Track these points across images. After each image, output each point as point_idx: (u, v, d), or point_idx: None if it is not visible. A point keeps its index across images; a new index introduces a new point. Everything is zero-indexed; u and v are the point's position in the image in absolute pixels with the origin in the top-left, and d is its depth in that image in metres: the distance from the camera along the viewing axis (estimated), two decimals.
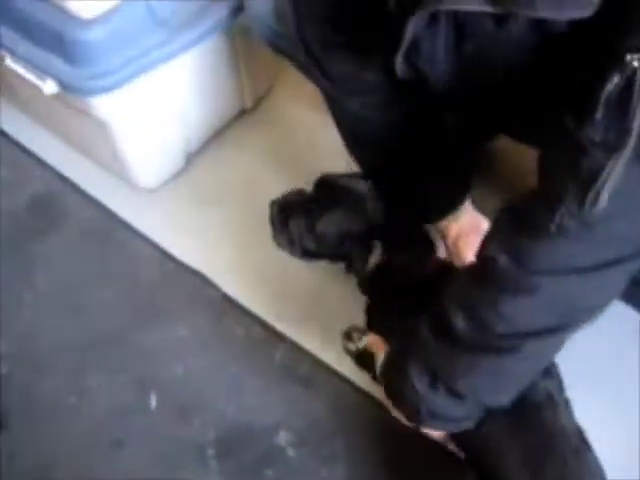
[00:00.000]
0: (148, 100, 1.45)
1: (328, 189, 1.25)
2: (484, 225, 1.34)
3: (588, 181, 0.77)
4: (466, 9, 0.83)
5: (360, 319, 1.32)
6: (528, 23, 0.83)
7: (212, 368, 1.43)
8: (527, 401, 1.03)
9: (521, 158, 1.38)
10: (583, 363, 1.21)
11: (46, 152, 1.78)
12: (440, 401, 0.99)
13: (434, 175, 1.32)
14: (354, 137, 1.34)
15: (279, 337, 1.44)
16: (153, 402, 1.41)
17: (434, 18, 0.91)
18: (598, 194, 0.77)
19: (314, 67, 1.19)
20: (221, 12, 1.44)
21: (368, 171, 1.34)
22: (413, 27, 0.92)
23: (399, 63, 1.00)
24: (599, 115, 0.75)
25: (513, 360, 0.94)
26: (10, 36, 1.37)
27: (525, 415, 1.04)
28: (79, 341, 1.48)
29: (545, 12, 0.77)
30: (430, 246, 1.29)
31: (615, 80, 0.72)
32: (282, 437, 1.35)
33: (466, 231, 1.37)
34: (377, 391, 1.31)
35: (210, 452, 1.34)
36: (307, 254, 1.27)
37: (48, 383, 1.44)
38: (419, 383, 0.99)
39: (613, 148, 0.74)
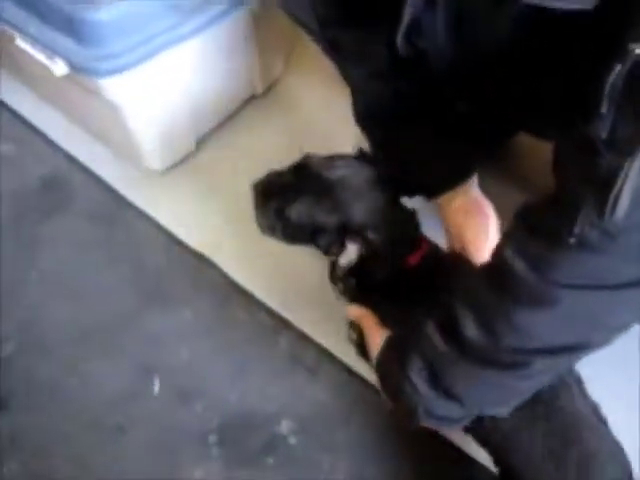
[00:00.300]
0: (158, 82, 1.43)
1: (303, 173, 1.16)
2: (489, 209, 1.26)
3: (604, 185, 0.71)
4: None
5: None
6: (526, 7, 0.78)
7: (216, 353, 1.43)
8: (542, 389, 0.98)
9: (542, 152, 1.35)
10: (582, 363, 1.19)
11: (55, 132, 1.78)
12: (438, 402, 0.95)
13: (439, 145, 1.27)
14: (363, 107, 1.32)
15: (284, 324, 1.43)
16: (156, 387, 1.41)
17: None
18: (617, 199, 0.70)
19: (324, 40, 1.21)
20: None
21: (375, 146, 1.33)
22: (411, 7, 0.94)
23: (400, 41, 1.02)
24: (604, 109, 0.70)
25: (519, 376, 0.89)
26: (21, 16, 1.35)
27: (542, 403, 1.01)
28: (82, 324, 1.48)
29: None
30: (413, 243, 1.18)
31: (617, 69, 0.68)
32: (284, 425, 1.34)
33: (469, 210, 1.27)
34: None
35: (212, 439, 1.34)
36: (290, 239, 1.21)
37: (50, 365, 1.44)
38: (418, 380, 0.94)
39: (627, 147, 0.69)
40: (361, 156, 1.19)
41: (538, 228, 0.81)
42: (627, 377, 1.33)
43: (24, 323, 1.50)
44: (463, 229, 1.25)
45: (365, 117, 1.33)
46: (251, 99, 1.77)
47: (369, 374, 1.33)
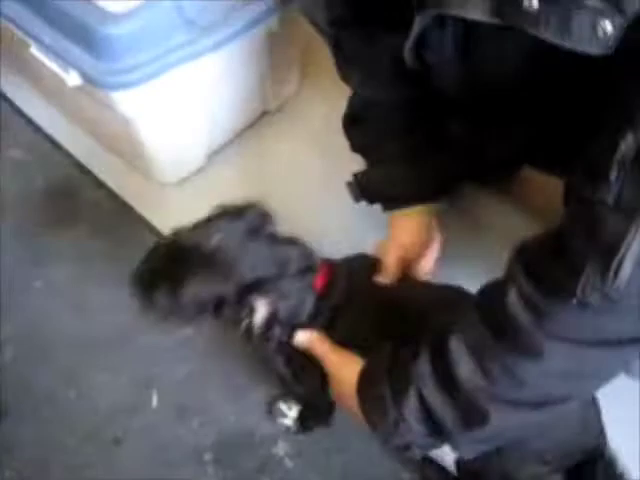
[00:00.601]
0: (171, 97, 1.43)
1: (179, 253, 1.06)
2: (436, 244, 1.28)
3: (608, 250, 0.71)
4: (467, 17, 0.82)
5: None
6: (532, 40, 0.77)
7: (216, 371, 1.42)
8: None
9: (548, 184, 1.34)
10: None
11: (66, 140, 1.79)
12: (432, 441, 0.94)
13: (417, 160, 1.27)
14: (353, 110, 1.33)
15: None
16: (154, 401, 1.40)
17: (442, 18, 0.90)
18: (620, 266, 0.70)
19: (330, 38, 1.21)
20: (249, 15, 1.43)
21: (354, 149, 1.34)
22: (419, 24, 0.93)
23: (407, 52, 1.01)
24: (613, 177, 0.69)
25: (513, 422, 0.89)
26: (37, 25, 1.36)
27: None
28: (84, 335, 1.48)
29: (549, 35, 0.74)
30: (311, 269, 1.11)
31: (629, 140, 0.67)
32: (281, 447, 1.34)
33: (418, 242, 1.28)
34: None
35: (207, 457, 1.33)
36: (188, 321, 1.14)
37: (49, 375, 1.44)
38: (413, 422, 0.92)
39: (632, 214, 0.68)
40: (225, 213, 1.12)
41: (542, 280, 0.80)
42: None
43: (25, 330, 1.50)
44: (409, 248, 1.26)
45: (352, 121, 1.34)
46: (264, 115, 1.77)
47: None
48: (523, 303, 0.81)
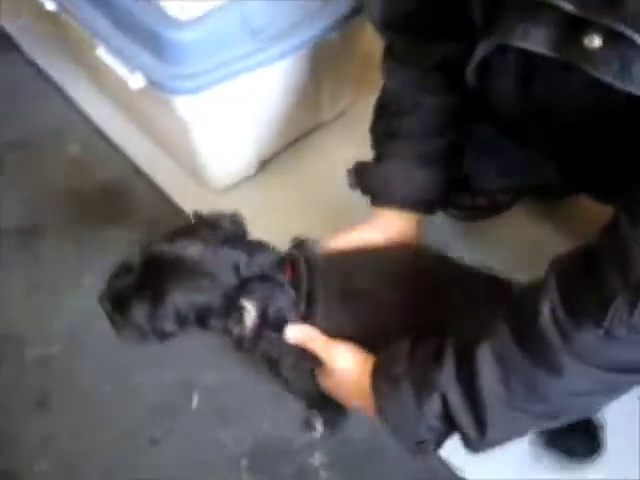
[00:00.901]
0: (229, 104, 1.45)
1: (157, 264, 1.03)
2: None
3: (637, 287, 0.74)
4: (531, 49, 0.83)
5: None
6: (592, 78, 0.79)
7: (258, 377, 1.42)
8: None
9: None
10: None
11: (122, 138, 1.81)
12: (450, 438, 0.97)
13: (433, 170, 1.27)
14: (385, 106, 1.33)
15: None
16: (194, 404, 1.42)
17: (505, 46, 0.90)
18: None
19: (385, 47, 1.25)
20: (312, 28, 1.44)
21: (380, 136, 1.33)
22: (483, 50, 0.95)
23: (469, 74, 1.03)
24: None
25: (527, 429, 0.96)
26: (105, 27, 1.38)
27: None
28: None
29: (608, 77, 0.75)
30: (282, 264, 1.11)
31: None
32: (317, 458, 1.34)
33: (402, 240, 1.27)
34: None
35: (244, 463, 1.34)
36: (168, 337, 1.07)
37: (92, 371, 1.46)
38: (435, 422, 0.94)
39: None
40: (201, 223, 1.11)
41: (573, 307, 0.82)
42: None
43: (72, 326, 1.52)
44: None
45: (383, 107, 1.33)
46: (319, 126, 1.78)
47: None
48: (553, 322, 0.83)
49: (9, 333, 1.52)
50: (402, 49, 1.22)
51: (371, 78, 1.77)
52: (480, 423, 0.91)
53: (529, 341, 0.86)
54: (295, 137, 1.75)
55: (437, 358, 0.94)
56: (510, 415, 0.90)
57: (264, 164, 1.73)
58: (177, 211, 1.67)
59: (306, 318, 1.09)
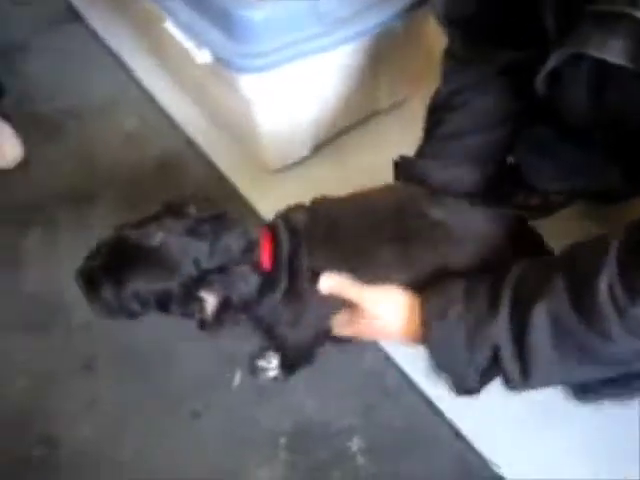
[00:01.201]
0: (291, 86, 1.46)
1: (122, 249, 1.08)
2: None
3: None
4: (607, 59, 0.83)
5: None
6: None
7: None
8: None
9: None
10: None
11: (182, 116, 1.84)
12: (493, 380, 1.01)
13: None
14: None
15: (373, 343, 1.43)
16: (236, 380, 1.43)
17: (579, 56, 0.90)
18: None
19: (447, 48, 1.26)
20: (377, 15, 1.44)
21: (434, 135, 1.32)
22: (556, 60, 0.94)
23: (539, 83, 1.02)
24: None
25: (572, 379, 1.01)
26: (175, 1, 1.40)
27: None
28: None
29: None
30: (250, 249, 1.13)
31: None
32: (355, 443, 1.35)
33: None
34: (456, 420, 1.33)
35: (282, 441, 1.35)
36: (135, 316, 1.12)
37: (139, 340, 1.48)
38: (484, 363, 0.97)
39: None
40: (167, 210, 1.13)
41: (631, 280, 0.83)
42: None
43: None
44: None
45: (437, 108, 1.32)
46: (375, 114, 1.79)
47: (447, 409, 1.34)
48: (611, 298, 0.84)
49: (58, 300, 1.55)
50: (463, 53, 1.22)
51: (431, 73, 1.77)
52: (526, 373, 0.94)
53: (585, 308, 0.87)
54: (350, 123, 1.75)
55: (492, 309, 0.96)
56: (555, 369, 0.93)
57: (318, 148, 1.73)
58: (228, 187, 1.68)
59: (291, 282, 1.13)
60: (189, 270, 1.05)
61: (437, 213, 1.14)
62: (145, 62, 1.93)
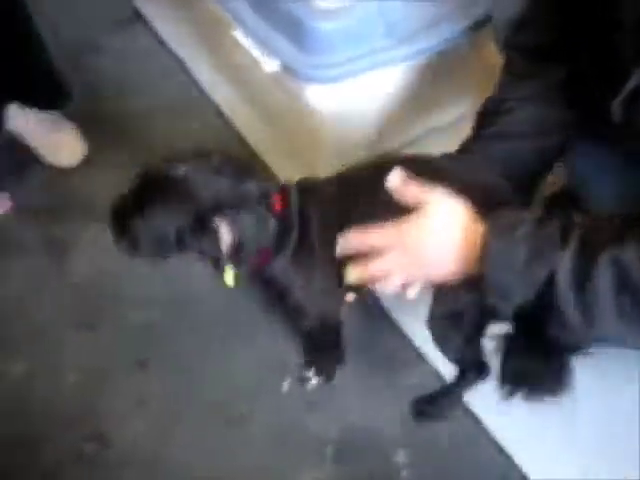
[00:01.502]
0: (354, 98, 1.48)
1: (148, 182, 1.14)
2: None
3: None
4: None
5: None
6: None
7: (351, 368, 1.45)
8: None
9: None
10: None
11: (240, 120, 1.85)
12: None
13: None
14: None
15: (422, 359, 1.44)
16: (285, 387, 1.44)
17: None
18: None
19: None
20: (444, 33, 1.46)
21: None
22: (637, 80, 0.93)
23: (616, 106, 1.00)
24: None
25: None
26: (244, 9, 1.42)
27: None
28: (232, 308, 1.54)
29: None
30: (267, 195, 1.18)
31: None
32: (400, 456, 1.35)
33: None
34: (504, 440, 1.33)
35: (329, 450, 1.36)
36: (157, 252, 1.17)
37: (194, 340, 1.50)
38: (534, 289, 0.92)
39: None
40: (194, 153, 1.18)
41: None
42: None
43: (172, 292, 1.57)
44: None
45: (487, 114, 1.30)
46: (431, 131, 1.79)
47: (495, 429, 1.34)
48: None
49: (113, 295, 1.58)
50: (521, 71, 1.22)
51: (491, 90, 1.77)
52: (585, 318, 0.90)
53: None
54: (409, 138, 1.76)
55: (561, 240, 0.91)
56: (612, 320, 0.89)
57: None
58: None
59: (300, 240, 1.18)
60: (208, 202, 1.09)
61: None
62: (208, 67, 1.95)
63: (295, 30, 1.32)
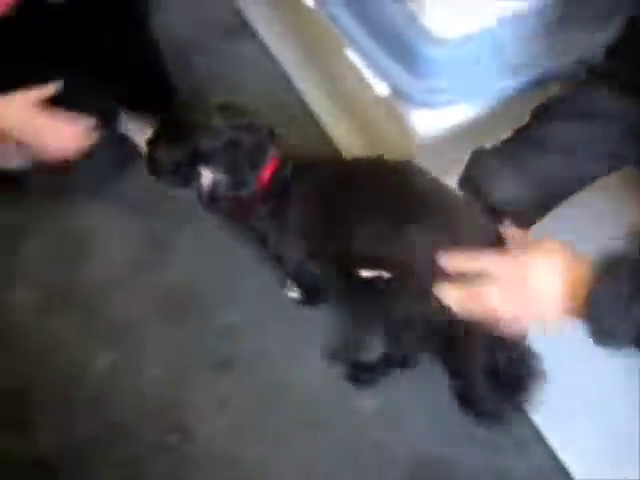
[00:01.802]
0: (456, 125, 1.49)
1: (167, 123, 1.38)
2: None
3: None
4: None
5: None
6: None
7: (422, 392, 1.46)
8: None
9: None
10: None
11: (339, 136, 1.87)
12: None
13: None
14: None
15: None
16: (359, 401, 1.46)
17: None
18: None
19: None
20: (556, 65, 1.45)
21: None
22: None
23: None
24: None
25: None
26: (356, 29, 1.45)
27: None
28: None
29: None
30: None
31: None
32: None
33: None
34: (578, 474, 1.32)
35: (395, 472, 1.38)
36: (170, 182, 1.38)
37: (277, 344, 1.54)
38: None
39: None
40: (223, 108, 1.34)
41: None
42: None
43: (256, 294, 1.62)
44: None
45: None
46: None
47: (571, 464, 1.33)
48: None
49: (198, 297, 1.62)
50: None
51: None
52: None
53: None
54: None
55: None
56: None
57: None
58: None
59: (277, 207, 1.33)
60: (200, 145, 1.28)
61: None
62: (312, 83, 1.97)
63: (407, 55, 1.34)
